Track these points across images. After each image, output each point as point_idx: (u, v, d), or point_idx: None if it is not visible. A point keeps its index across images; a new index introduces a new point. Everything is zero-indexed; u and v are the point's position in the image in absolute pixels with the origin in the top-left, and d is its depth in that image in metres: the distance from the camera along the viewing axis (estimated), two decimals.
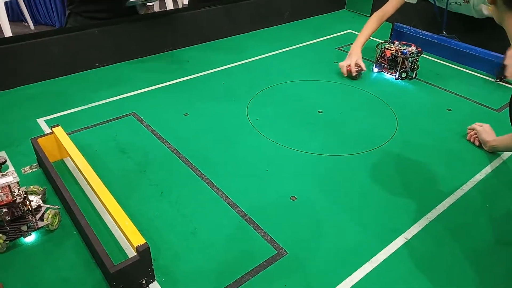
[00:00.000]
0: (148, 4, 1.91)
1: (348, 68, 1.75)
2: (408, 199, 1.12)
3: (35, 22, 4.29)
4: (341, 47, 2.10)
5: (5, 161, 0.92)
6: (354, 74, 1.74)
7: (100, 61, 1.77)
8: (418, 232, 1.02)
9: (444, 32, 1.98)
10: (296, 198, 1.11)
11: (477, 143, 1.35)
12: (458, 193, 1.15)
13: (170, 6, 3.26)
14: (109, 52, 1.78)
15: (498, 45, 1.88)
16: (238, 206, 1.07)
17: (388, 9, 1.89)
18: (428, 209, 1.09)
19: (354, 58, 1.76)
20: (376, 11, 2.46)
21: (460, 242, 0.99)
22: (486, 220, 1.07)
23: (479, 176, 1.22)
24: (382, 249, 0.97)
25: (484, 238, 1.01)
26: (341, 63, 1.80)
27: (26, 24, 4.24)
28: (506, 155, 1.31)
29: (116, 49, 1.80)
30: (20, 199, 0.92)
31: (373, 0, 2.47)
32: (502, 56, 1.77)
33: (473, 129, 1.38)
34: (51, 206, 1.00)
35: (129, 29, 1.80)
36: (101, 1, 1.77)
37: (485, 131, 1.33)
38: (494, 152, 1.31)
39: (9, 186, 0.89)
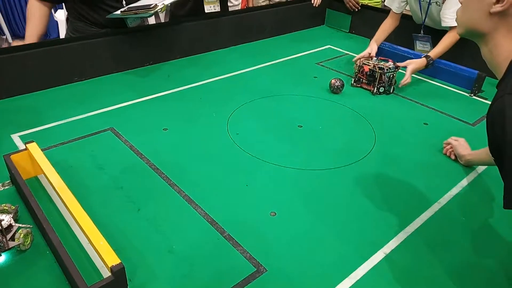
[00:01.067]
0: (142, 18, 1.89)
1: (362, 59, 1.89)
2: (387, 213, 1.13)
3: (13, 35, 4.22)
4: (321, 62, 2.13)
5: None
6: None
7: (79, 75, 1.75)
8: (397, 246, 1.02)
9: (422, 32, 2.05)
10: (275, 213, 1.10)
11: (453, 157, 1.38)
12: (436, 207, 1.17)
13: (151, 21, 3.26)
14: (88, 66, 1.76)
15: (471, 60, 1.94)
16: (217, 223, 1.06)
17: (387, 21, 2.07)
18: (406, 223, 1.10)
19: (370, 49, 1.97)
20: (354, 27, 2.54)
21: (438, 256, 1.00)
22: (463, 233, 1.08)
23: (455, 190, 1.24)
24: (361, 264, 0.97)
25: (462, 251, 1.02)
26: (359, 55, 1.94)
27: (4, 37, 4.17)
28: (481, 168, 1.33)
29: (96, 63, 1.78)
30: None
31: (351, 17, 2.53)
32: (476, 71, 1.82)
33: (448, 144, 1.41)
34: (23, 225, 0.96)
35: (109, 43, 1.79)
36: (95, 15, 1.75)
37: (461, 145, 1.36)
38: (469, 166, 1.34)
39: None
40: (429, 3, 1.92)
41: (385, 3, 2.09)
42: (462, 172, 1.32)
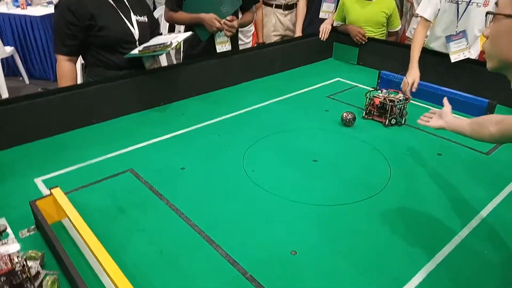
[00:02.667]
0: (156, 55, 1.96)
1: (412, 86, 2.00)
2: (408, 248, 1.13)
3: (30, 76, 4.37)
4: (331, 95, 2.17)
5: (5, 228, 0.92)
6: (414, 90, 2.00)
7: (96, 118, 1.80)
8: (420, 282, 1.02)
9: (456, 31, 2.05)
10: (296, 252, 1.11)
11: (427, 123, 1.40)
12: (456, 240, 1.16)
13: (164, 62, 3.37)
14: (105, 108, 1.82)
15: (481, 89, 1.96)
16: (238, 263, 1.07)
17: (418, 29, 2.10)
18: (428, 258, 1.10)
19: (416, 75, 2.02)
20: (362, 59, 2.59)
21: None
22: (486, 266, 1.07)
23: (474, 222, 1.24)
24: None
25: (489, 283, 1.01)
26: (409, 79, 2.00)
27: (21, 79, 4.32)
28: (499, 198, 1.33)
29: (112, 105, 1.84)
30: (19, 267, 0.91)
31: (358, 50, 2.59)
32: (487, 100, 1.84)
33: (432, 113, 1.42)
34: (49, 272, 0.98)
35: (124, 85, 1.85)
36: (113, 58, 1.84)
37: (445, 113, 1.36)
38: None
39: (9, 255, 0.88)
40: (469, 3, 1.95)
41: (417, 11, 2.12)
42: (480, 203, 1.32)
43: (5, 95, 3.87)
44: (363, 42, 2.52)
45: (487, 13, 0.86)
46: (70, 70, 1.78)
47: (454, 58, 2.06)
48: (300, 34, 2.79)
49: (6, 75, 4.11)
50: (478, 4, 1.99)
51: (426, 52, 2.16)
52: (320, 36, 2.59)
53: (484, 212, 1.27)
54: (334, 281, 1.02)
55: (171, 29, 3.84)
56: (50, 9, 4.28)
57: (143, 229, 1.19)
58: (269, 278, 1.02)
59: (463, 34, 2.04)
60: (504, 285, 1.02)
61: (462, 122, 1.25)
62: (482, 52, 2.37)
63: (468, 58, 2.09)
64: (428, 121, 1.40)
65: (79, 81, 1.93)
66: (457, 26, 2.04)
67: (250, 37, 3.04)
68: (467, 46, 2.03)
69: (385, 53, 2.47)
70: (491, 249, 1.13)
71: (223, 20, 2.07)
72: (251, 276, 1.03)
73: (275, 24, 2.90)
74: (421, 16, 2.09)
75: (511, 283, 1.03)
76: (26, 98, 1.62)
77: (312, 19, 2.78)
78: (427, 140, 1.72)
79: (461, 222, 1.23)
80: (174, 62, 4.28)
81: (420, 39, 2.07)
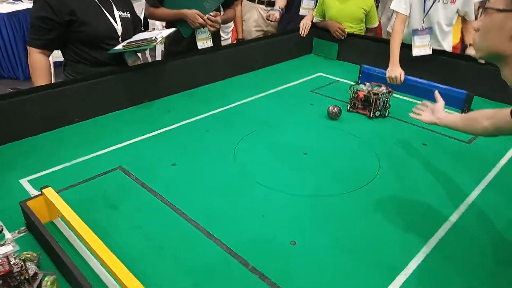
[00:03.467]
0: (138, 52, 1.93)
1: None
2: (403, 234, 1.16)
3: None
4: (315, 89, 2.20)
5: (1, 229, 0.89)
6: (398, 83, 2.05)
7: (79, 116, 1.75)
8: (417, 266, 1.06)
9: (422, 26, 2.12)
10: (296, 242, 1.12)
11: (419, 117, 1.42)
12: (447, 225, 1.21)
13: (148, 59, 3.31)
14: (88, 106, 1.77)
15: (458, 81, 2.04)
16: (239, 256, 1.07)
17: (396, 24, 2.13)
18: (422, 242, 1.13)
19: (400, 71, 2.06)
20: (342, 55, 2.63)
21: (458, 272, 1.03)
22: (478, 247, 1.12)
23: (463, 207, 1.29)
24: None
25: (480, 265, 1.06)
26: (391, 75, 2.03)
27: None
28: (486, 181, 1.39)
29: (95, 103, 1.79)
30: (17, 268, 0.88)
31: (338, 45, 2.63)
32: (465, 92, 1.92)
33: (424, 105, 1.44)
34: (48, 272, 0.95)
35: (107, 83, 1.81)
36: (96, 55, 1.79)
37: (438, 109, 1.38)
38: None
39: (6, 256, 0.85)
40: (435, 0, 2.02)
41: (392, 7, 2.15)
42: (467, 188, 1.37)
43: None
44: (343, 38, 2.56)
45: (479, 6, 0.88)
46: (42, 63, 1.72)
47: (416, 52, 2.15)
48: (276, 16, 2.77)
49: None
50: (445, 1, 2.06)
51: (404, 45, 2.22)
52: (300, 32, 2.61)
53: (472, 197, 1.33)
54: (335, 269, 1.04)
55: (145, 27, 3.77)
56: (17, 6, 4.12)
57: (139, 226, 1.17)
58: (272, 268, 1.03)
59: (429, 30, 2.12)
60: (496, 263, 1.07)
61: (454, 117, 1.30)
62: (457, 45, 2.46)
63: (444, 51, 2.17)
64: (420, 115, 1.42)
65: (53, 79, 1.86)
66: (423, 21, 2.11)
67: (229, 33, 3.03)
68: (429, 43, 2.11)
69: (364, 48, 2.52)
70: (481, 230, 1.18)
71: (207, 15, 2.06)
72: (253, 267, 1.03)
73: (257, 19, 2.91)
74: (397, 12, 2.14)
75: (502, 261, 1.08)
76: (3, 97, 1.55)
77: (293, 17, 2.80)
78: (411, 131, 1.77)
79: (451, 207, 1.28)
80: (149, 60, 4.21)
81: (399, 35, 2.12)
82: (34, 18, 1.67)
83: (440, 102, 1.39)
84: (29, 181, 1.36)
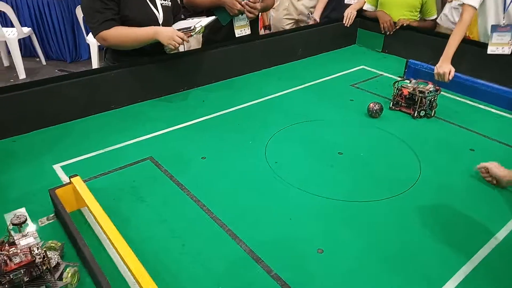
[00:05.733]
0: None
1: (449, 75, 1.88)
2: (442, 249, 1.07)
3: (47, 57, 4.36)
4: (355, 84, 2.09)
5: (26, 219, 0.89)
6: (447, 80, 1.88)
7: (115, 103, 1.76)
8: (456, 286, 0.97)
9: (504, 22, 1.93)
10: (323, 250, 1.06)
11: (494, 182, 1.31)
12: (493, 242, 1.10)
13: (181, 48, 3.30)
14: (124, 94, 1.78)
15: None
16: (263, 261, 1.02)
17: (466, 19, 1.92)
18: (464, 260, 1.04)
19: (450, 67, 1.88)
20: (387, 46, 2.49)
21: None
22: None
23: (511, 224, 1.17)
24: None
25: None
26: (440, 71, 1.88)
27: (38, 59, 4.31)
28: None
29: (131, 91, 1.80)
30: (39, 258, 0.88)
31: (384, 36, 2.49)
32: None
33: (484, 167, 1.34)
34: (70, 263, 0.96)
35: (143, 71, 1.81)
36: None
37: (497, 167, 1.30)
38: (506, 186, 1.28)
39: (29, 246, 0.85)
40: None
41: (463, 0, 1.95)
42: None
43: (22, 75, 3.87)
44: (390, 33, 2.42)
45: None
46: (118, 28, 1.64)
47: (491, 50, 1.95)
48: (317, 20, 2.69)
49: (23, 55, 4.10)
50: None
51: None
52: (344, 22, 2.49)
53: None
54: (363, 282, 0.97)
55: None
56: None
57: (164, 220, 1.15)
58: (296, 277, 0.98)
59: (510, 28, 1.91)
60: None
61: None
62: None
63: None
64: (489, 176, 1.34)
65: (93, 56, 1.84)
66: (503, 18, 1.92)
67: None
68: (509, 42, 1.91)
69: (411, 40, 2.37)
70: None
71: (245, 1, 1.99)
72: (276, 274, 0.99)
73: (288, 7, 2.81)
74: (467, 4, 1.91)
75: None
76: (44, 82, 1.58)
77: (336, 5, 2.68)
78: (458, 134, 1.64)
79: (498, 223, 1.16)
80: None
81: (464, 28, 1.93)
82: (88, 7, 1.64)
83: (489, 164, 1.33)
84: (62, 167, 1.38)
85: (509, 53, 1.93)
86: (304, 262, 1.03)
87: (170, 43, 1.64)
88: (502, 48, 1.93)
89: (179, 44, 1.66)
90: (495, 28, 1.94)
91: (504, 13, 1.91)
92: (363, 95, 1.97)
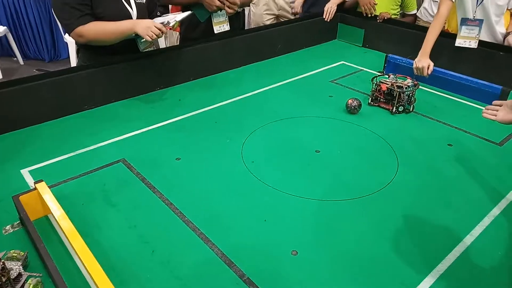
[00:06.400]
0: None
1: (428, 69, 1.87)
2: (416, 249, 1.06)
3: (24, 57, 4.25)
4: (335, 80, 2.07)
5: None
6: (426, 75, 1.88)
7: (88, 104, 1.71)
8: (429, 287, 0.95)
9: (473, 16, 1.92)
10: (297, 252, 1.04)
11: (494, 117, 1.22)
12: (468, 240, 1.09)
13: (162, 44, 3.25)
14: (97, 94, 1.73)
15: (494, 75, 1.87)
16: (235, 265, 1.00)
17: (443, 12, 1.91)
18: (438, 260, 1.03)
19: (428, 62, 1.87)
20: (368, 41, 2.47)
21: None
22: (501, 268, 1.00)
23: (487, 220, 1.16)
24: None
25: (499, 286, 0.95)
26: (418, 65, 1.87)
27: (15, 59, 4.20)
28: (511, 196, 1.25)
29: (105, 91, 1.75)
30: None
31: (364, 31, 2.47)
32: (500, 87, 1.75)
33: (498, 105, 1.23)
34: (32, 274, 0.92)
35: (117, 70, 1.76)
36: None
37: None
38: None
39: None
40: None
41: None
42: (492, 199, 1.24)
43: None
44: (371, 14, 2.39)
45: None
46: (92, 23, 1.58)
47: (458, 42, 1.95)
48: (299, 10, 2.65)
49: None
50: None
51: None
52: (324, 17, 2.47)
53: (500, 207, 1.20)
54: (336, 285, 0.95)
55: None
56: None
57: (134, 226, 1.12)
58: (268, 282, 0.95)
59: (479, 22, 1.91)
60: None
61: None
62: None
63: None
64: (495, 115, 1.22)
65: (72, 55, 1.77)
66: (475, 11, 1.91)
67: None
68: (477, 36, 1.91)
69: (392, 35, 2.36)
70: (506, 250, 1.06)
71: None
72: (249, 279, 0.96)
73: (268, 2, 2.78)
74: None
75: None
76: (13, 83, 1.52)
77: (316, 0, 2.65)
78: (436, 129, 1.63)
79: (475, 220, 1.15)
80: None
81: (441, 22, 1.92)
82: (62, 4, 1.56)
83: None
84: (30, 171, 1.34)
85: (475, 47, 1.93)
86: (277, 265, 1.00)
87: (148, 33, 1.59)
88: (469, 42, 1.92)
89: (156, 36, 1.62)
90: (464, 21, 1.93)
91: (477, 6, 1.91)
92: (343, 91, 1.95)
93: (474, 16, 1.92)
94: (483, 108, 1.73)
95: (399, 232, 1.11)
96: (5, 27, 3.97)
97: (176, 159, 1.41)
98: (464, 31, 1.94)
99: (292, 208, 1.19)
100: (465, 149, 1.49)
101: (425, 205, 1.22)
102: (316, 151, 1.47)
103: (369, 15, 2.40)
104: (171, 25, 1.71)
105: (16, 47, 4.13)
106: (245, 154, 1.44)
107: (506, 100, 1.68)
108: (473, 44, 1.94)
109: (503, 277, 0.98)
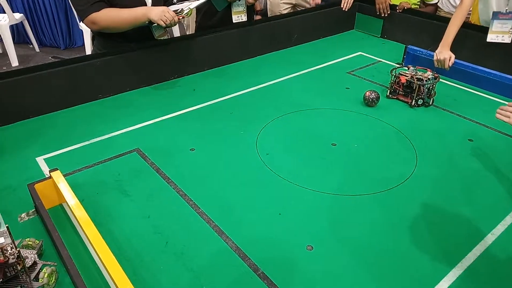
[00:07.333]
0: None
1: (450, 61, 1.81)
2: (435, 247, 1.03)
3: (40, 44, 4.28)
4: (352, 71, 2.03)
5: None
6: (447, 67, 1.83)
7: (102, 92, 1.71)
8: (449, 287, 0.93)
9: (506, 9, 1.83)
10: (312, 247, 1.02)
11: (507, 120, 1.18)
12: (489, 239, 1.06)
13: (176, 33, 3.23)
14: (111, 82, 1.72)
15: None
16: (249, 259, 0.98)
17: (466, 2, 1.84)
18: (457, 258, 1.00)
19: (450, 54, 1.82)
20: (386, 32, 2.41)
21: None
22: None
23: (509, 219, 1.12)
24: None
25: None
26: (440, 57, 1.81)
27: (31, 46, 4.23)
28: None
29: (119, 79, 1.74)
30: (13, 258, 0.84)
31: (383, 21, 2.41)
32: None
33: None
34: (47, 263, 0.92)
35: (132, 58, 1.74)
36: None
37: None
38: None
39: (1, 247, 0.81)
40: None
41: None
42: None
43: (15, 63, 3.80)
44: (384, 15, 2.34)
45: None
46: (107, 9, 1.57)
47: (490, 38, 1.86)
48: (318, 1, 2.61)
49: (16, 42, 4.03)
50: None
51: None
52: (342, 6, 2.41)
53: None
54: (352, 281, 0.93)
55: None
56: None
57: (148, 216, 1.11)
58: (283, 277, 0.94)
59: None
60: None
61: None
62: None
63: None
64: (509, 117, 1.18)
65: (87, 42, 1.77)
66: (507, 4, 1.83)
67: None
68: (510, 30, 1.82)
69: (411, 26, 2.29)
70: None
71: None
72: (263, 273, 0.95)
73: None
74: None
75: None
76: (27, 71, 1.52)
77: None
78: (457, 123, 1.58)
79: (495, 219, 1.12)
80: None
81: (464, 14, 1.84)
82: None
83: None
84: (45, 159, 1.34)
85: (509, 42, 1.85)
86: (292, 260, 0.99)
87: (162, 18, 1.58)
88: (502, 36, 1.85)
89: (170, 22, 1.60)
90: (496, 15, 1.85)
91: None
92: (360, 83, 1.90)
93: (506, 10, 1.83)
94: (506, 102, 1.69)
95: (417, 228, 1.08)
96: (22, 14, 4.00)
97: (190, 149, 1.40)
98: (496, 25, 1.85)
99: (307, 202, 1.17)
100: (486, 145, 1.45)
101: (444, 201, 1.18)
102: (332, 144, 1.44)
103: (384, 15, 2.34)
104: (184, 13, 1.69)
105: (32, 34, 4.15)
106: (259, 146, 1.42)
107: None
108: (507, 39, 1.85)
109: None
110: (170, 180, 1.25)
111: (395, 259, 0.99)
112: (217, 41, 1.99)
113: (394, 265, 0.98)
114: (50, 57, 4.01)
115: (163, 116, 1.60)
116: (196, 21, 2.26)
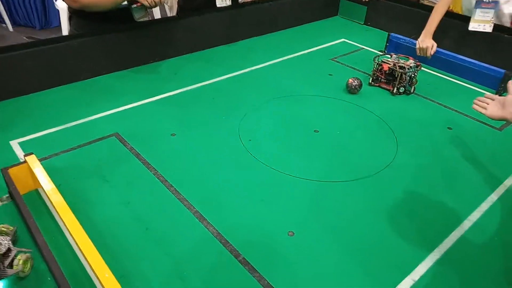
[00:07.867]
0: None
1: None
2: (414, 232, 1.05)
3: (14, 23, 4.10)
4: (335, 57, 2.02)
5: None
6: (428, 56, 1.86)
7: (79, 75, 1.65)
8: (426, 271, 0.94)
9: None
10: (294, 233, 1.02)
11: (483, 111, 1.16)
12: (466, 225, 1.08)
13: (157, 15, 3.14)
14: (89, 64, 1.67)
15: (497, 58, 1.83)
16: (231, 244, 0.98)
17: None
18: (435, 244, 1.02)
19: (432, 42, 1.84)
20: (370, 19, 2.41)
21: (471, 283, 0.92)
22: (497, 255, 1.00)
23: (485, 205, 1.15)
24: None
25: (495, 278, 0.94)
26: (422, 45, 1.83)
27: (4, 26, 4.06)
28: (509, 182, 1.24)
29: (97, 61, 1.69)
30: None
31: (366, 8, 2.40)
32: (503, 71, 1.72)
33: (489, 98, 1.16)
34: (22, 250, 0.89)
35: (110, 40, 1.69)
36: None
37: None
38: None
39: None
40: None
41: None
42: (490, 185, 1.23)
43: None
44: (368, 0, 2.33)
45: None
46: None
47: (472, 26, 1.87)
48: None
49: None
50: None
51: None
52: None
53: (498, 192, 1.19)
54: (333, 267, 0.94)
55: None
56: None
57: (127, 202, 1.09)
58: (264, 262, 0.94)
59: (495, 5, 1.83)
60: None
61: None
62: None
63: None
64: (485, 108, 1.16)
65: (63, 22, 1.70)
66: None
67: None
68: (492, 19, 1.84)
69: (395, 13, 2.30)
70: (502, 235, 1.05)
71: None
72: (244, 259, 0.94)
73: None
74: None
75: None
76: (0, 51, 1.46)
77: None
78: (437, 111, 1.60)
79: (473, 204, 1.14)
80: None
81: (447, 2, 1.86)
82: None
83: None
84: (20, 143, 1.29)
85: (491, 31, 1.87)
86: (274, 245, 0.99)
87: None
88: (484, 25, 1.86)
89: (155, 3, 1.55)
90: (479, 3, 1.86)
91: None
92: (343, 69, 1.90)
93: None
94: (485, 92, 1.71)
95: (397, 214, 1.10)
96: None
97: (171, 134, 1.38)
98: (478, 14, 1.86)
99: (290, 188, 1.17)
100: (465, 133, 1.47)
101: (423, 188, 1.20)
102: (315, 131, 1.44)
103: (367, 0, 2.34)
104: None
105: (5, 12, 3.98)
106: (242, 132, 1.41)
107: (508, 83, 1.66)
108: (488, 28, 1.86)
109: (499, 265, 0.97)
110: (150, 166, 1.22)
111: (375, 244, 1.01)
112: (200, 25, 1.95)
113: (375, 250, 0.99)
114: (24, 37, 3.85)
115: (143, 100, 1.56)
116: (178, 3, 2.21)
